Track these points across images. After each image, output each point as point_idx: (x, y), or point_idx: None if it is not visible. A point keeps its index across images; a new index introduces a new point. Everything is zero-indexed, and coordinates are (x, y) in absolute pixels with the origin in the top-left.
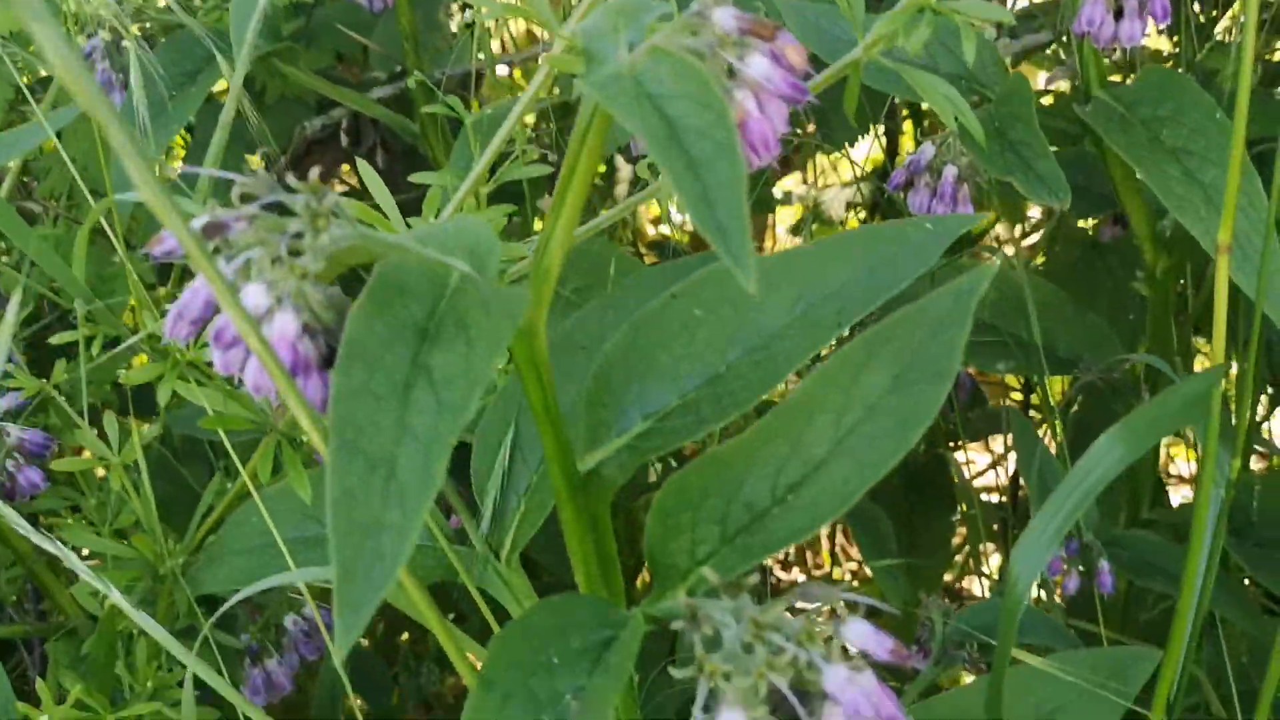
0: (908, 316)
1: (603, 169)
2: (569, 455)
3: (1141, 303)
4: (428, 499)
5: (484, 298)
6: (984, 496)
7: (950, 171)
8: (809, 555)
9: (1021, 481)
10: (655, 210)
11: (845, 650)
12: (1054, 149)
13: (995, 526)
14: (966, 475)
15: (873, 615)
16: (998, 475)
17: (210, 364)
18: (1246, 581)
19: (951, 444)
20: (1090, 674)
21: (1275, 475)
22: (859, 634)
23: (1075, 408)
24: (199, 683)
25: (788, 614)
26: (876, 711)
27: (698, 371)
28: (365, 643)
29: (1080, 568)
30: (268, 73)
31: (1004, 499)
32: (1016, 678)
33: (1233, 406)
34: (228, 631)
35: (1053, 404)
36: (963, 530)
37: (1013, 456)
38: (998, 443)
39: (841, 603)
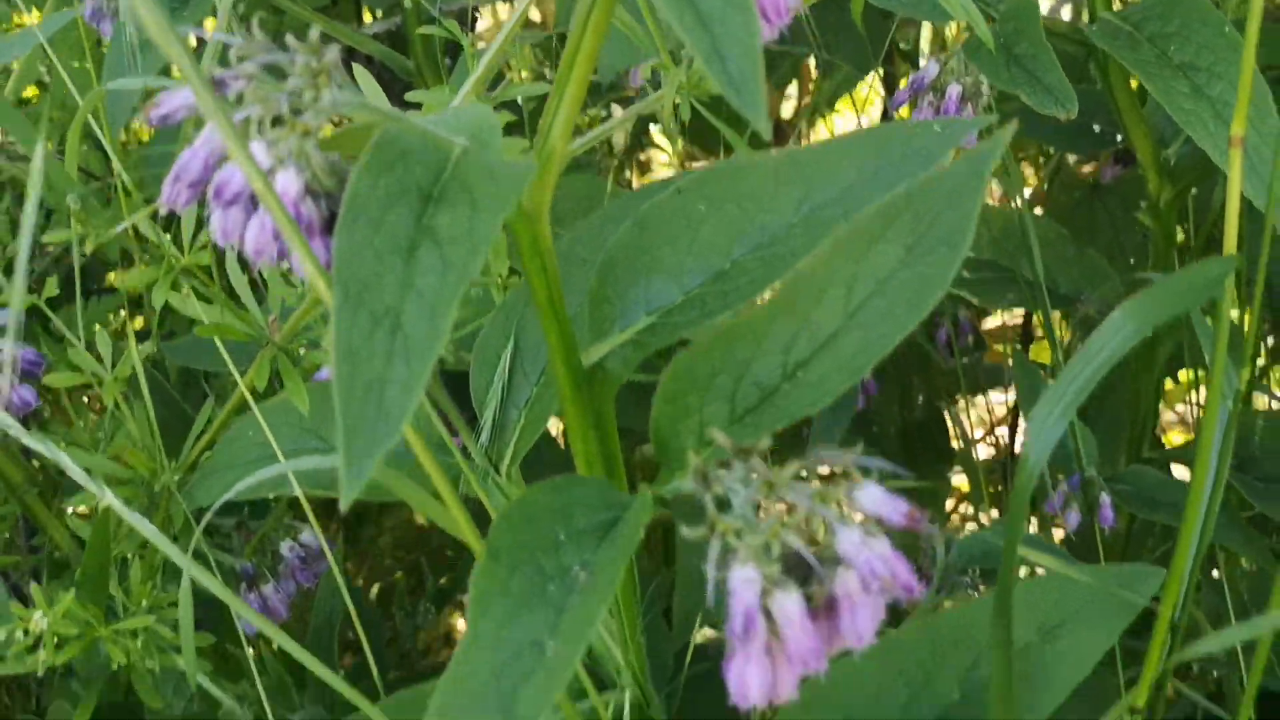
0: (923, 187)
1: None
2: (573, 349)
3: (1141, 246)
4: (433, 354)
5: (489, 164)
6: (983, 457)
7: (954, 90)
8: None
9: (1019, 440)
10: (649, 166)
11: (859, 518)
12: None
13: (992, 490)
14: (967, 431)
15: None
16: (997, 437)
17: (207, 269)
18: None
19: (952, 398)
20: (1095, 585)
21: (1276, 413)
22: (872, 498)
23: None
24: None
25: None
26: (892, 575)
27: (702, 268)
28: (360, 583)
29: (1080, 507)
30: (263, 7)
31: (1002, 458)
32: (1021, 592)
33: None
34: (224, 557)
35: (1057, 338)
36: (958, 488)
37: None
38: (999, 409)
39: (855, 468)
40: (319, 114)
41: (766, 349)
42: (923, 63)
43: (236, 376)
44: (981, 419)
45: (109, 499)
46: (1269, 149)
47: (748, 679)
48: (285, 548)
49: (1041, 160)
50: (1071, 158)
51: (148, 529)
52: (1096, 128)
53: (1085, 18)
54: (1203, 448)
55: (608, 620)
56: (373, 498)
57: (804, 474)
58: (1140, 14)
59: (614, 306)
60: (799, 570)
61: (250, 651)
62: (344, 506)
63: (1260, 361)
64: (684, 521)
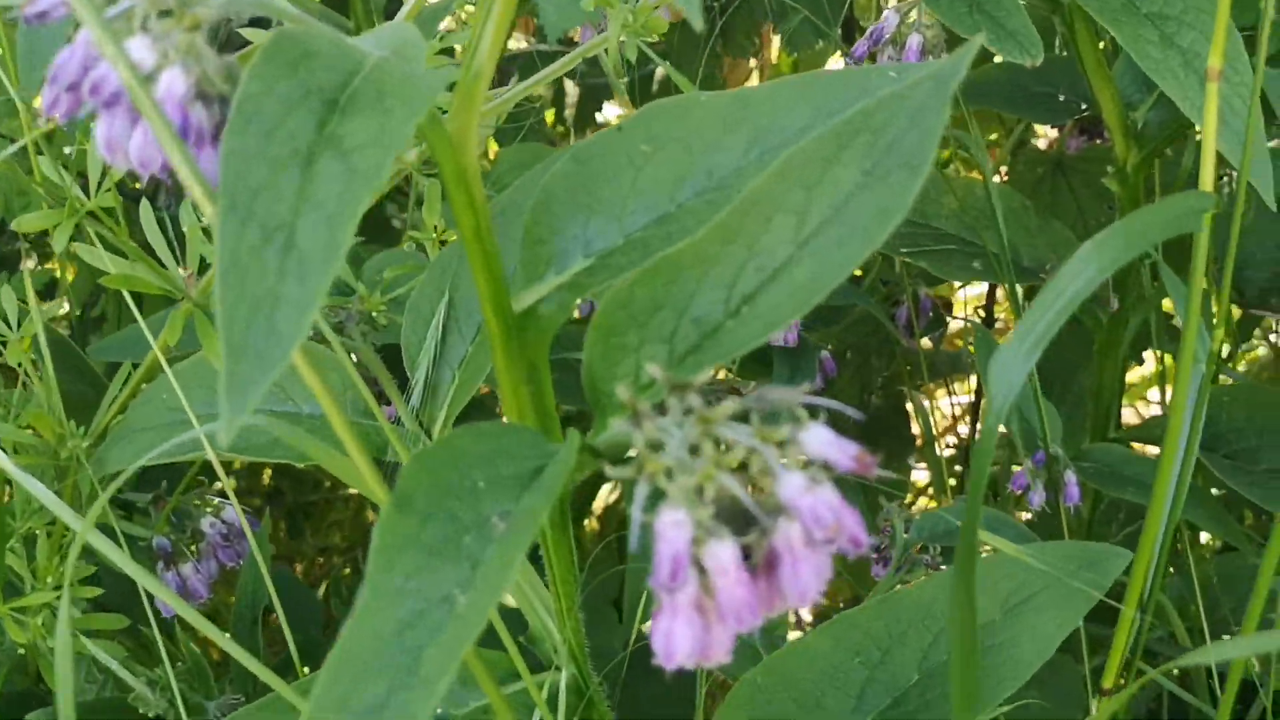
0: (883, 104)
1: (549, 93)
2: (503, 290)
3: (1107, 222)
4: (330, 271)
5: (406, 71)
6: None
7: (915, 40)
8: None
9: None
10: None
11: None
12: None
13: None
14: (930, 421)
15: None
16: (959, 435)
17: (109, 211)
18: None
19: (914, 384)
20: (1063, 564)
21: (1243, 389)
22: (819, 440)
23: None
24: (107, 586)
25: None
26: (839, 523)
27: (645, 208)
28: (295, 569)
29: (1046, 485)
30: None
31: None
32: (984, 568)
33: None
34: (138, 534)
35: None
36: (915, 484)
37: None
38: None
39: (802, 408)
40: (212, 6)
41: (711, 282)
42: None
43: (149, 337)
44: (943, 414)
45: (3, 461)
46: (1242, 101)
47: (675, 636)
48: (206, 524)
49: (1003, 136)
50: (1038, 137)
51: (42, 492)
52: (1061, 97)
53: None
54: (1175, 409)
55: (545, 596)
56: (287, 459)
57: (745, 414)
58: None
59: (549, 247)
60: (737, 524)
61: (163, 636)
62: (225, 440)
63: (1225, 344)
64: (627, 486)
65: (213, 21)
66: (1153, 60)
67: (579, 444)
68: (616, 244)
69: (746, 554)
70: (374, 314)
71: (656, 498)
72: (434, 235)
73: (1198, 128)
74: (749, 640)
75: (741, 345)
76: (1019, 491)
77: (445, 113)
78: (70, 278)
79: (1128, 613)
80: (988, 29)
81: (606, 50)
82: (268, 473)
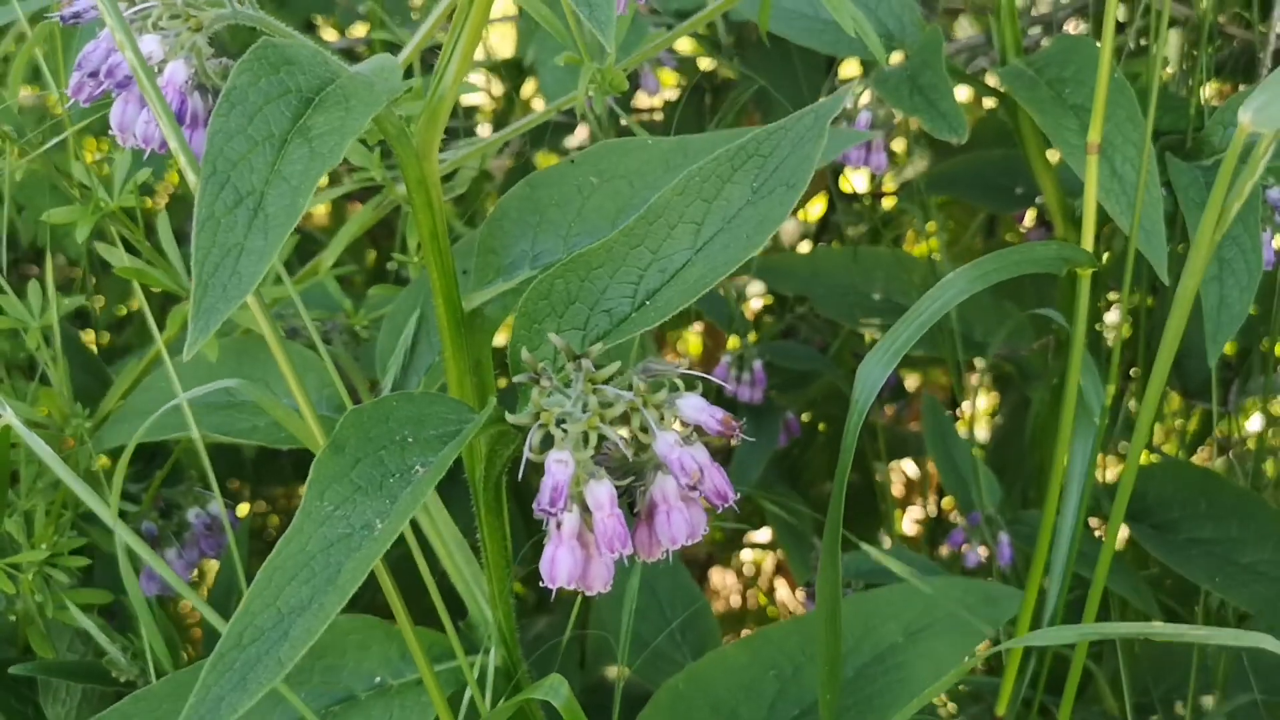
0: (770, 134)
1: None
2: (454, 286)
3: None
4: (289, 227)
5: (371, 80)
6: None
7: (864, 117)
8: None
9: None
10: None
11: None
12: (982, 152)
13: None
14: (895, 495)
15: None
16: (925, 505)
17: (129, 212)
18: None
19: (880, 457)
20: (961, 597)
21: (1169, 465)
22: (692, 406)
23: (997, 416)
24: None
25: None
26: (705, 475)
27: (588, 232)
28: None
29: (981, 545)
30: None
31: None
32: (890, 593)
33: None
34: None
35: (970, 385)
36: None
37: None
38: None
39: (679, 379)
40: (213, 16)
41: (621, 278)
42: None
43: (154, 331)
44: (906, 483)
45: (8, 416)
46: (1134, 170)
47: (558, 562)
48: (192, 515)
49: (979, 228)
50: (1009, 232)
51: (51, 457)
52: (1018, 189)
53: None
54: (1057, 470)
55: (480, 578)
56: (266, 442)
57: (630, 383)
58: (1043, 59)
59: (500, 257)
60: (626, 481)
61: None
62: (187, 354)
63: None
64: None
65: (213, 26)
66: (1070, 146)
67: (496, 410)
68: (560, 259)
69: (632, 505)
70: (358, 329)
71: (548, 443)
72: (414, 259)
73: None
74: (676, 647)
75: (637, 330)
76: (955, 548)
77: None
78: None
79: (1016, 653)
80: (923, 109)
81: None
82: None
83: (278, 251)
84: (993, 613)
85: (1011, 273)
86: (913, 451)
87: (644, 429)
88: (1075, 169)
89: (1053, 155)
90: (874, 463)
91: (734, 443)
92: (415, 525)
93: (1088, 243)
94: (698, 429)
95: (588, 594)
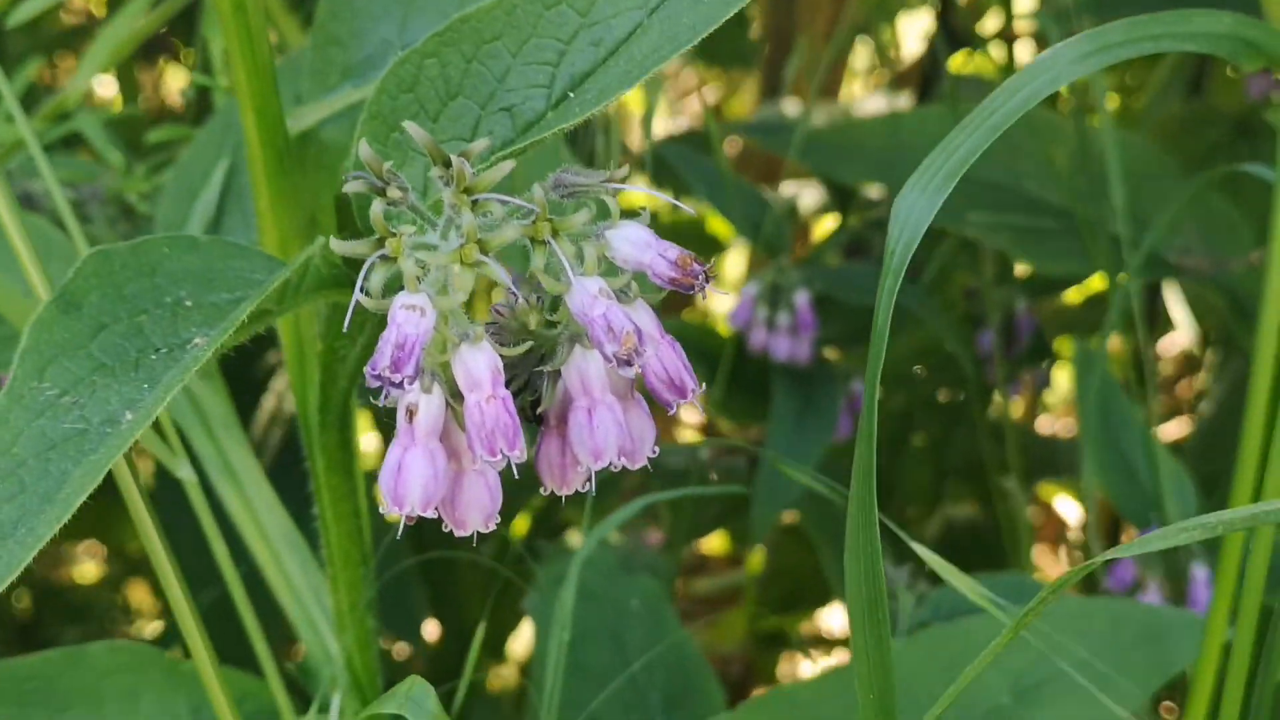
0: None
1: None
2: (272, 98)
3: None
4: None
5: None
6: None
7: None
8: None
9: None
10: None
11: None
12: None
13: None
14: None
15: None
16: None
17: None
18: None
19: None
20: (1104, 630)
21: None
22: (631, 239)
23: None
24: None
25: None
26: (652, 356)
27: None
28: None
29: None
30: None
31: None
32: (983, 630)
33: None
34: None
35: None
36: None
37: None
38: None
39: (611, 198)
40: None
41: (529, 55)
42: None
43: None
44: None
45: None
46: None
47: (406, 471)
48: None
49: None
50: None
51: None
52: None
53: None
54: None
55: (320, 585)
56: None
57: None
58: None
59: (348, 51)
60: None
61: None
62: None
63: None
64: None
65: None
66: None
67: (327, 254)
68: None
69: (535, 405)
70: (131, 197)
71: (396, 284)
72: (221, 83)
73: None
74: None
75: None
76: (1120, 589)
77: None
78: None
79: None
80: None
81: None
82: None
83: None
84: (1156, 656)
85: (1145, 48)
86: (1062, 467)
87: (553, 273)
88: None
89: None
90: (999, 478)
91: (701, 296)
92: (223, 515)
93: None
94: (639, 278)
95: (458, 532)
